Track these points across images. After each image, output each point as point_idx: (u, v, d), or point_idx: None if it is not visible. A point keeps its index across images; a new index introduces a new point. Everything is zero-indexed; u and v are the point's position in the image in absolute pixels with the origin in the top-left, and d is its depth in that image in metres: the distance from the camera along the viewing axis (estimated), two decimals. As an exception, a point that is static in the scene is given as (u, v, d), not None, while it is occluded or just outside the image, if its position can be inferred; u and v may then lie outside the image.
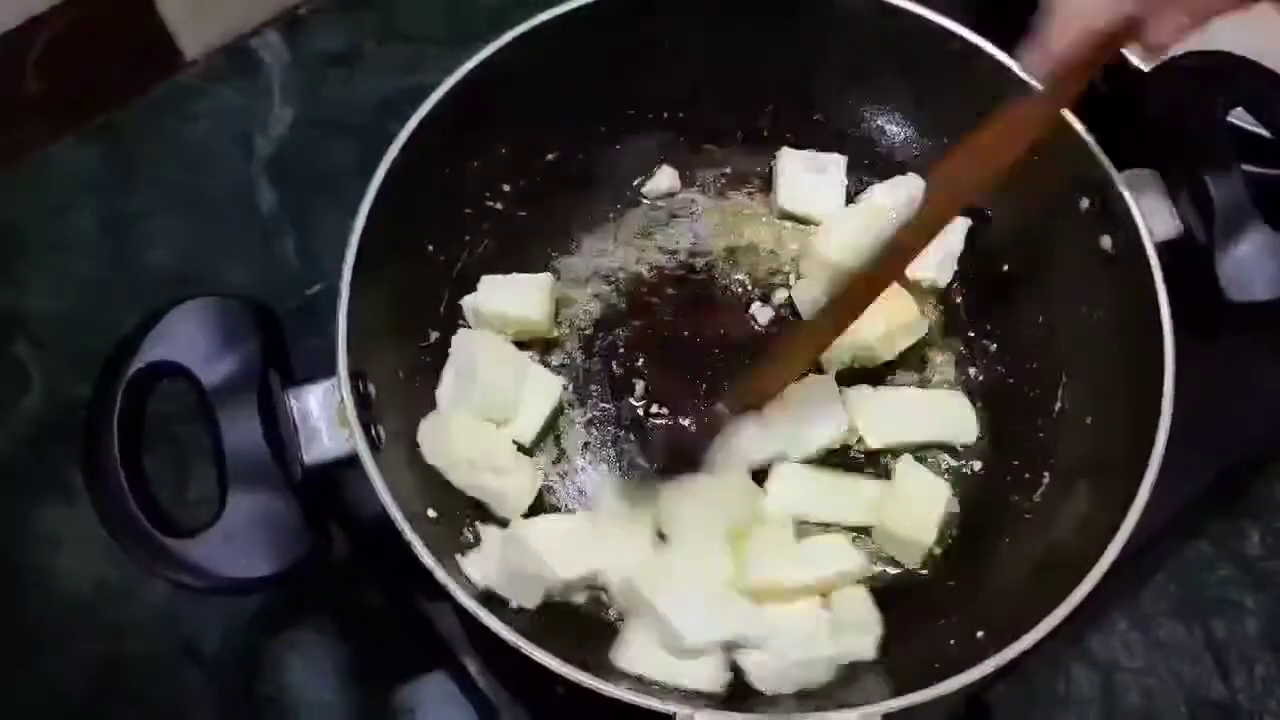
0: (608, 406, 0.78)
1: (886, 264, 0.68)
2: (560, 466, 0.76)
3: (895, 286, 0.75)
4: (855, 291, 0.68)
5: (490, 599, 0.61)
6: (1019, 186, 0.76)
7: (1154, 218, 0.70)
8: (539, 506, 0.73)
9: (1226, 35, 0.72)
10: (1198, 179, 0.69)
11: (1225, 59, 0.72)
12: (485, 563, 0.66)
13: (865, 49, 0.80)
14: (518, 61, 0.74)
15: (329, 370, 0.63)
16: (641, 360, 0.79)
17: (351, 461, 0.62)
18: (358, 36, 1.00)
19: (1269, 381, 0.83)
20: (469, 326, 0.77)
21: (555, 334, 0.79)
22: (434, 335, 0.76)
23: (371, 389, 0.66)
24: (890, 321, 0.76)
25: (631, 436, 0.77)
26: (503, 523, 0.70)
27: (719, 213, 0.85)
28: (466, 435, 0.70)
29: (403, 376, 0.73)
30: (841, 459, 0.76)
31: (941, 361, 0.80)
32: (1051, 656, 0.78)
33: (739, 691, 0.65)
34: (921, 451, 0.76)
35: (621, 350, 0.79)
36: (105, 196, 0.92)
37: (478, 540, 0.68)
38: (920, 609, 0.70)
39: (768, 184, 0.85)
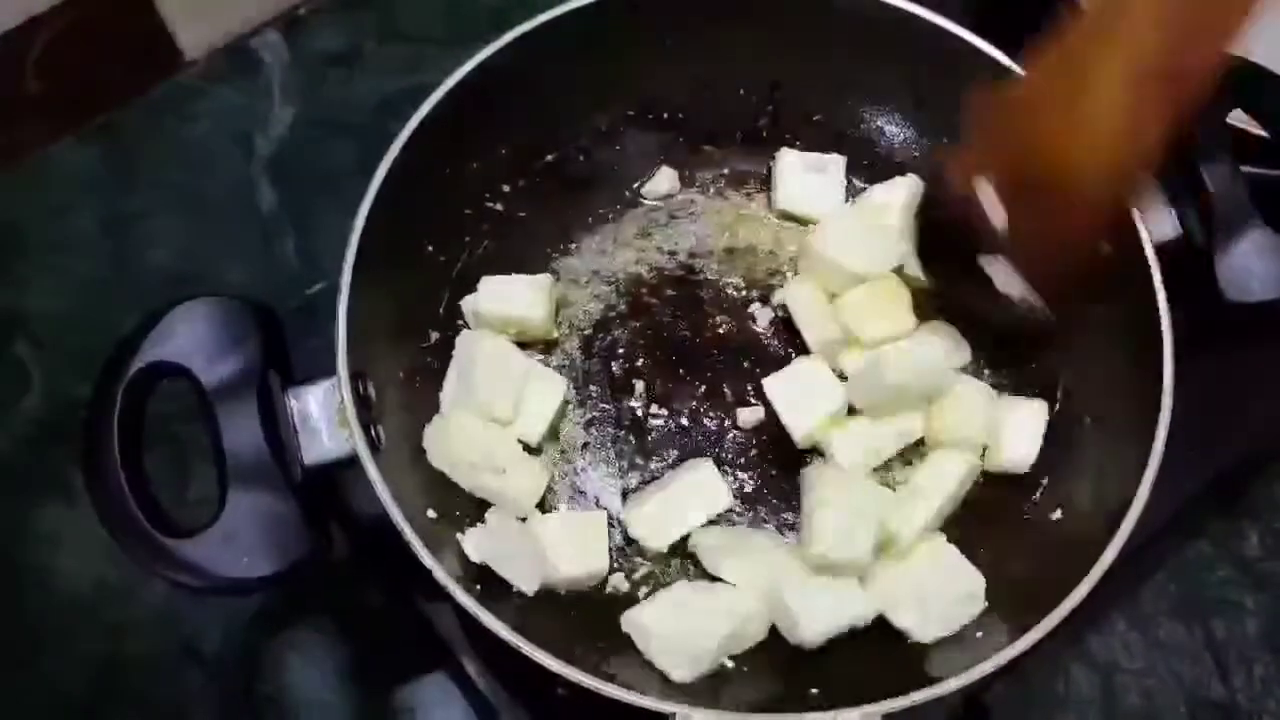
0: (607, 407, 0.78)
1: None
2: (560, 467, 0.76)
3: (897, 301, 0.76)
4: None
5: (489, 598, 0.60)
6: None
7: (1153, 218, 0.70)
8: (540, 505, 0.73)
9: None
10: (1196, 180, 0.69)
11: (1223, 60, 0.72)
12: (486, 542, 0.67)
13: (865, 50, 0.80)
14: (517, 62, 0.74)
15: (329, 370, 0.63)
16: (641, 361, 0.79)
17: (351, 462, 0.62)
18: (358, 36, 1.00)
19: (1268, 382, 0.83)
20: (469, 327, 0.77)
21: (555, 335, 0.79)
22: (434, 336, 0.77)
23: (371, 389, 0.66)
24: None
25: (631, 437, 0.77)
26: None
27: (718, 213, 0.85)
28: (468, 436, 0.70)
29: (403, 377, 0.73)
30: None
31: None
32: (1051, 657, 0.78)
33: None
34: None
35: (621, 351, 0.79)
36: (105, 196, 0.92)
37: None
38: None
39: (767, 185, 0.85)
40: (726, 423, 0.77)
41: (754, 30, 0.80)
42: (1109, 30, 0.59)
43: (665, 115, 0.84)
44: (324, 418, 0.63)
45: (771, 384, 0.75)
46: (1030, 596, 0.63)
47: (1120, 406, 0.69)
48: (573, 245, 0.83)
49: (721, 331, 0.80)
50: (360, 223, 0.67)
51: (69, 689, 0.76)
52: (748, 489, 0.75)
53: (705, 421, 0.77)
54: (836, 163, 0.83)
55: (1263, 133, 0.73)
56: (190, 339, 0.62)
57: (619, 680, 0.59)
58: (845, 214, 0.82)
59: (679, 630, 0.65)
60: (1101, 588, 0.61)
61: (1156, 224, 0.70)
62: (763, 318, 0.81)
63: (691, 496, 0.72)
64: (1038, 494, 0.72)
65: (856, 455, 0.73)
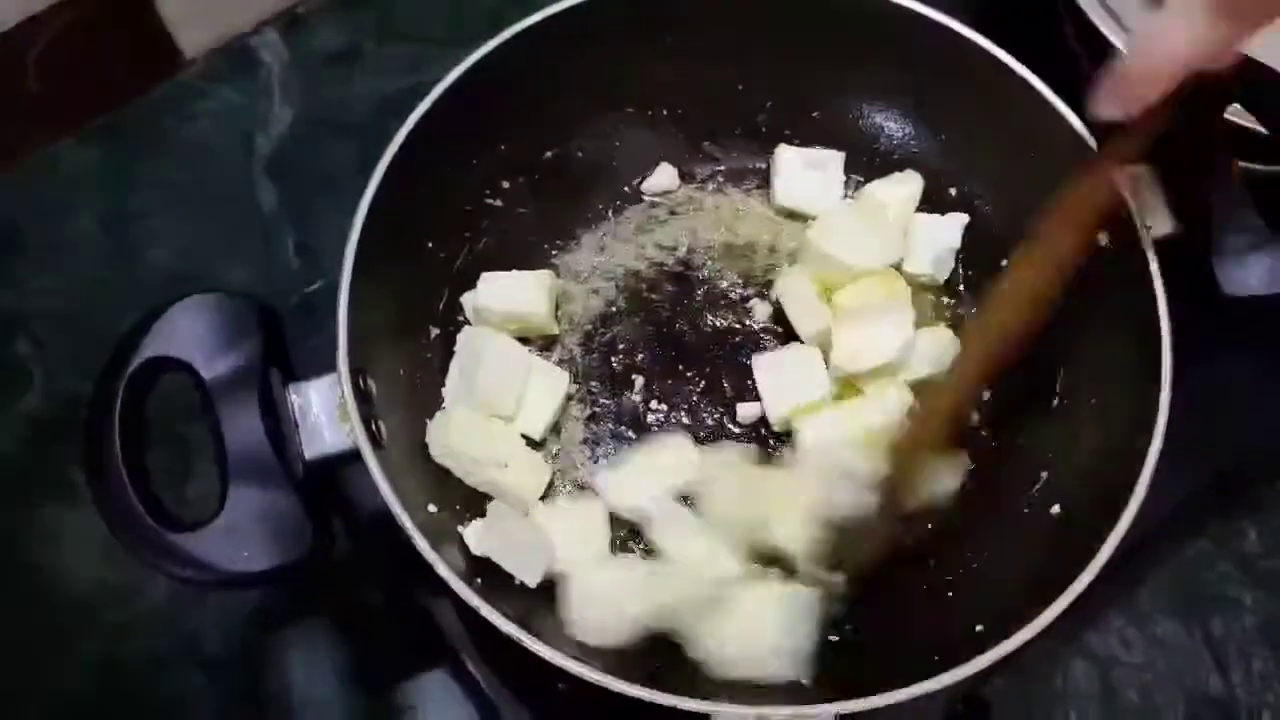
0: (608, 402, 0.78)
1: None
2: (561, 461, 0.76)
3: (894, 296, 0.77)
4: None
5: (491, 593, 0.61)
6: (1017, 186, 0.77)
7: (1151, 214, 0.70)
8: (541, 499, 0.73)
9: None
10: (1194, 176, 0.69)
11: (1221, 55, 0.72)
12: (487, 535, 0.67)
13: (865, 46, 0.80)
14: (516, 59, 0.74)
15: (330, 366, 0.63)
16: (640, 356, 0.79)
17: (353, 457, 0.62)
18: (357, 36, 1.00)
19: (1267, 379, 0.83)
20: (469, 324, 0.77)
21: (556, 330, 0.79)
22: (434, 332, 0.77)
23: (372, 385, 0.66)
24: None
25: (630, 432, 0.77)
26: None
27: (717, 210, 0.85)
28: (471, 432, 0.70)
29: (403, 373, 0.73)
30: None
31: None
32: (1050, 652, 0.78)
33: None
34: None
35: (621, 346, 0.80)
36: (105, 196, 0.92)
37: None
38: (917, 603, 0.70)
39: (766, 181, 0.85)
40: (725, 418, 0.77)
41: (753, 27, 0.81)
42: None
43: (664, 112, 0.84)
44: (325, 413, 0.63)
45: (760, 362, 0.77)
46: (1028, 591, 0.63)
47: (1118, 402, 0.69)
48: (572, 241, 0.83)
49: (720, 327, 0.81)
50: (360, 220, 0.67)
51: (69, 689, 0.76)
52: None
53: (704, 416, 0.77)
54: (835, 159, 0.84)
55: (1261, 129, 0.74)
56: (191, 334, 0.62)
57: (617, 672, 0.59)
58: (845, 209, 0.82)
59: (601, 599, 0.66)
60: (1101, 584, 0.61)
61: (1155, 220, 0.70)
62: (761, 313, 0.81)
63: (664, 466, 0.73)
64: (1036, 489, 0.72)
65: (821, 441, 0.73)
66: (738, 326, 0.81)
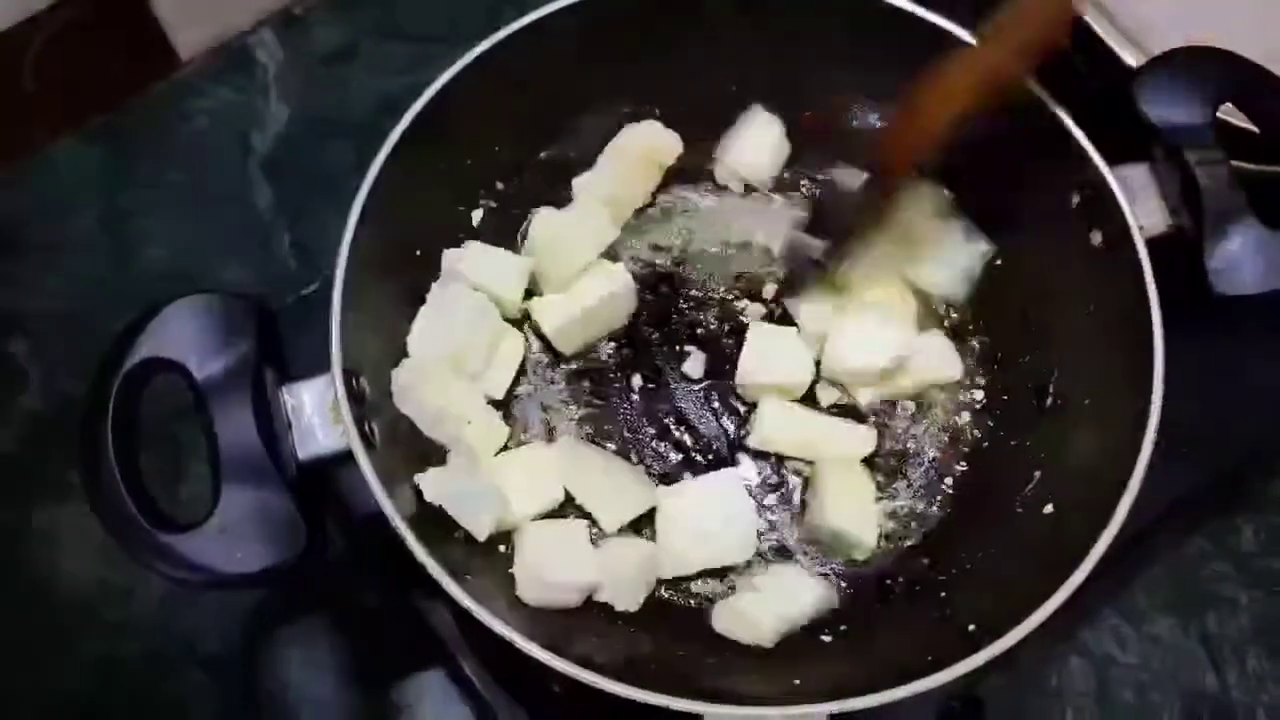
0: (601, 402, 0.78)
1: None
2: (514, 424, 0.77)
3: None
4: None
5: (483, 594, 0.61)
6: (1012, 180, 0.77)
7: (1144, 213, 0.70)
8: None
9: (1222, 33, 0.73)
10: (1187, 174, 0.69)
11: (1214, 55, 0.72)
12: (443, 483, 0.67)
13: (860, 47, 0.79)
14: (511, 59, 0.74)
15: (324, 367, 0.63)
16: (634, 356, 0.79)
17: (346, 457, 0.62)
18: (354, 35, 1.00)
19: (1261, 377, 0.83)
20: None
21: (516, 315, 0.79)
22: (428, 332, 0.77)
23: (365, 386, 0.66)
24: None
25: (625, 432, 0.77)
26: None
27: (712, 210, 0.85)
28: (439, 385, 0.71)
29: (397, 373, 0.73)
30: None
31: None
32: (1045, 651, 0.78)
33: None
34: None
35: (614, 346, 0.80)
36: (103, 195, 0.92)
37: (470, 535, 0.68)
38: (913, 602, 0.70)
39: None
40: (718, 419, 0.78)
41: (750, 27, 0.80)
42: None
43: (658, 111, 0.84)
44: (318, 414, 0.63)
45: (756, 330, 0.77)
46: (1022, 589, 0.63)
47: (1111, 400, 0.69)
48: (569, 242, 0.83)
49: (713, 328, 0.80)
50: (353, 220, 0.67)
51: (69, 689, 0.76)
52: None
53: (699, 422, 0.78)
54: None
55: (1252, 128, 0.74)
56: (185, 335, 0.62)
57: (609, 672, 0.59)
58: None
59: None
60: (1096, 582, 0.61)
61: (1147, 217, 0.70)
62: (754, 314, 0.81)
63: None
64: (1029, 488, 0.72)
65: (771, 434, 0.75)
66: (730, 326, 0.80)
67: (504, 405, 0.77)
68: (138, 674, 0.76)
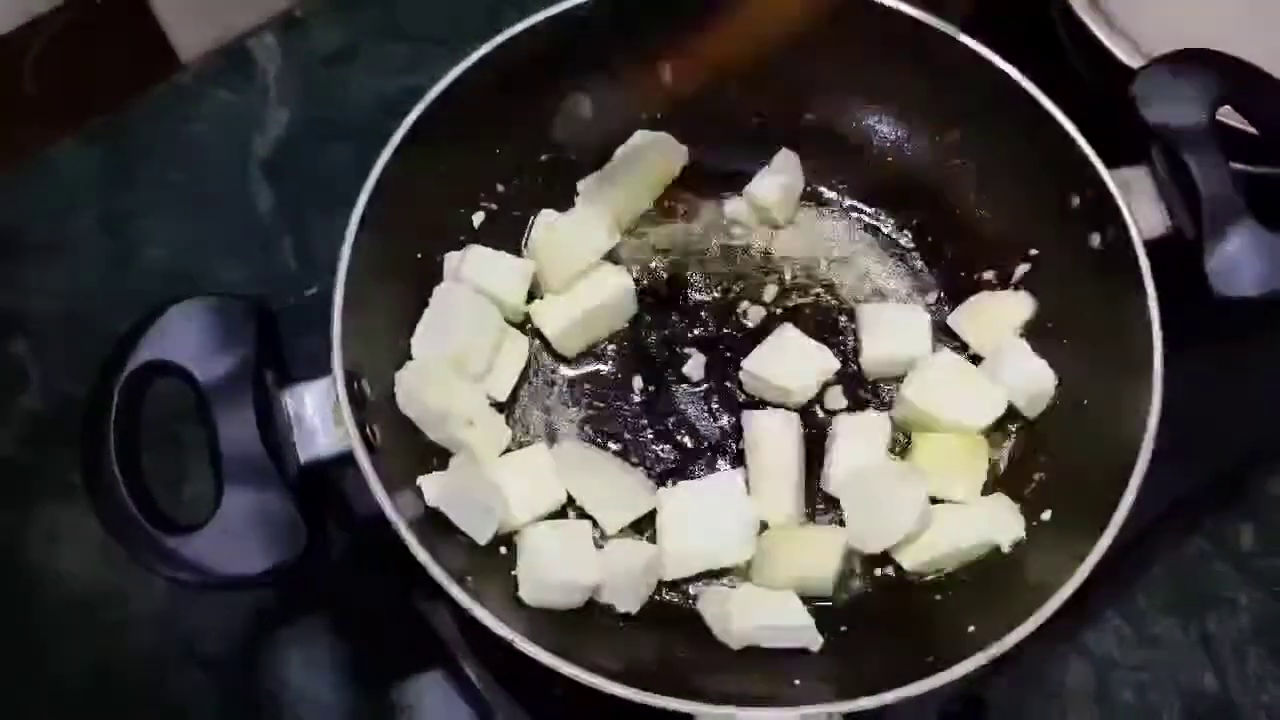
0: (601, 405, 0.78)
1: None
2: (517, 428, 0.77)
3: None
4: None
5: (484, 595, 0.61)
6: (1015, 193, 0.77)
7: (1143, 215, 0.70)
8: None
9: (1220, 36, 0.73)
10: (1186, 177, 0.70)
11: (1213, 57, 0.73)
12: (444, 487, 0.67)
13: (860, 51, 0.80)
14: (513, 61, 0.74)
15: (325, 369, 0.63)
16: (634, 358, 0.79)
17: (348, 459, 0.62)
18: (355, 37, 1.00)
19: (1260, 378, 0.83)
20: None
21: (518, 319, 0.79)
22: (429, 334, 0.77)
23: (367, 388, 0.66)
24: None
25: (626, 434, 0.77)
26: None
27: (712, 213, 0.85)
28: (442, 387, 0.71)
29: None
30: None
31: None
32: (1046, 651, 0.78)
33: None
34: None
35: (614, 349, 0.80)
36: (103, 197, 0.92)
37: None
38: (913, 604, 0.70)
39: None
40: (719, 421, 0.78)
41: (749, 30, 0.80)
42: None
43: (659, 114, 0.84)
44: (320, 416, 0.63)
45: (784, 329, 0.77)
46: (1022, 590, 0.63)
47: (1110, 402, 0.69)
48: (569, 244, 0.83)
49: (712, 330, 0.81)
50: (355, 222, 0.68)
51: (69, 689, 0.76)
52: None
53: (699, 424, 0.78)
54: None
55: (1251, 130, 0.74)
56: (186, 338, 0.62)
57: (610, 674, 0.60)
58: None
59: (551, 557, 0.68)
60: (1097, 583, 0.61)
61: (1146, 220, 0.70)
62: (755, 316, 0.81)
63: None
64: (1029, 490, 0.72)
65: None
66: (729, 330, 0.81)
67: (506, 407, 0.77)
68: (138, 674, 0.76)
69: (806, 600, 0.69)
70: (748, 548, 0.71)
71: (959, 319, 0.79)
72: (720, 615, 0.68)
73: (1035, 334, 0.76)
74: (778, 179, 0.83)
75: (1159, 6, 0.83)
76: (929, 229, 0.83)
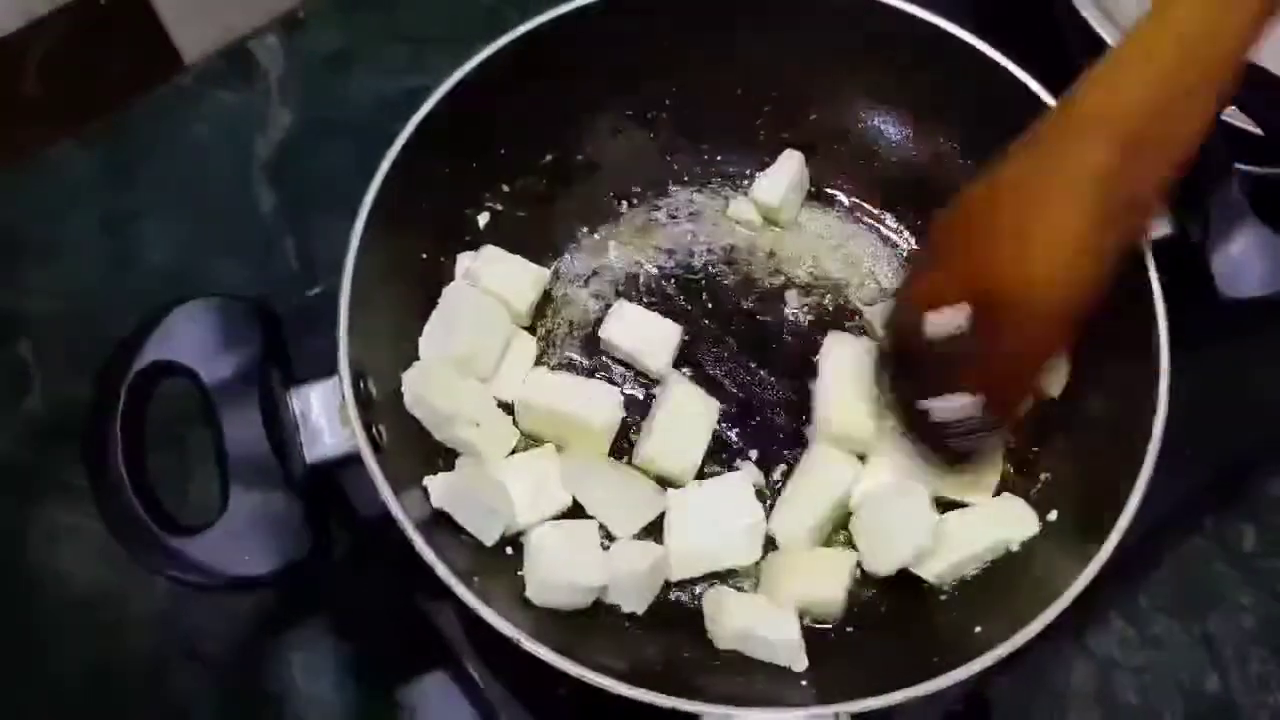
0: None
1: None
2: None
3: None
4: None
5: (490, 596, 0.61)
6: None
7: (1148, 216, 0.70)
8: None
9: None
10: (1192, 177, 0.69)
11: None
12: (450, 489, 0.67)
13: (863, 49, 0.80)
14: (516, 62, 0.74)
15: (330, 370, 0.63)
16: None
17: (354, 460, 0.62)
18: (357, 38, 1.00)
19: (1265, 379, 0.83)
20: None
21: (528, 325, 0.79)
22: (435, 333, 0.77)
23: (373, 388, 0.66)
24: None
25: (630, 435, 0.77)
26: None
27: (717, 213, 0.85)
28: (449, 387, 0.71)
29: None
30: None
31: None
32: (1049, 652, 0.78)
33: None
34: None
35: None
36: (105, 198, 0.92)
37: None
38: (917, 604, 0.70)
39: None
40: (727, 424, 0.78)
41: (752, 30, 0.81)
42: (1062, 153, 0.60)
43: (664, 115, 0.84)
44: (326, 416, 0.63)
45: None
46: (1026, 592, 0.63)
47: (1115, 403, 0.69)
48: (572, 245, 0.83)
49: (718, 329, 0.81)
50: (360, 223, 0.67)
51: (69, 689, 0.76)
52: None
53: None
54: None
55: (1257, 130, 0.74)
56: (192, 338, 0.62)
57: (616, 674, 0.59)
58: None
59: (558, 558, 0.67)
60: (1100, 584, 0.61)
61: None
62: (760, 314, 0.81)
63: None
64: (1034, 491, 0.72)
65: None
66: (738, 328, 0.81)
67: (514, 408, 0.76)
68: (138, 674, 0.76)
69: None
70: (754, 549, 0.71)
71: None
72: (715, 614, 0.68)
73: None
74: (782, 179, 0.83)
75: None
76: (933, 229, 0.83)
